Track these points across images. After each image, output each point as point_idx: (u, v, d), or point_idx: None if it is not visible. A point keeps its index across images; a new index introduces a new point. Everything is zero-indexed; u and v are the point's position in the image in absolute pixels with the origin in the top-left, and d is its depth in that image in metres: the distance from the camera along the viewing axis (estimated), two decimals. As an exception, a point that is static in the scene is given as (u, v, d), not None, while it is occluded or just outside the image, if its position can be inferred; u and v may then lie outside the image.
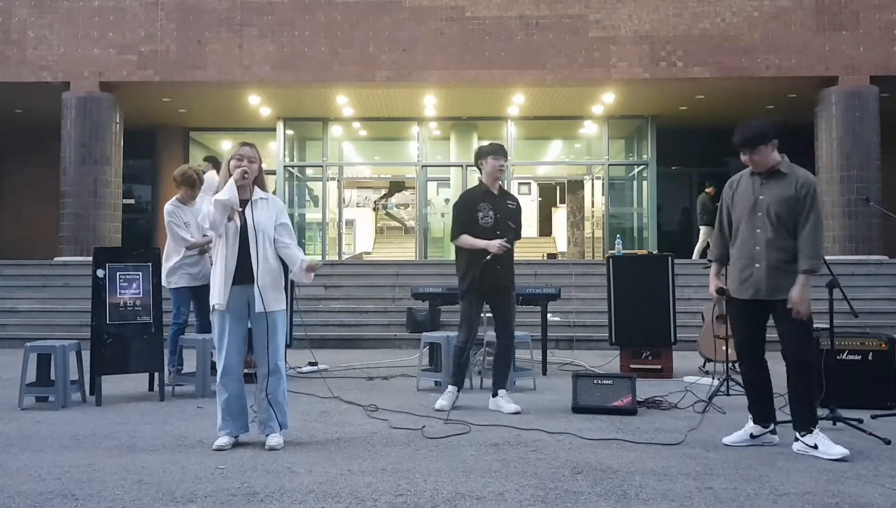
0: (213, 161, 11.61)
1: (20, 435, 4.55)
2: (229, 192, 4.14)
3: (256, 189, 4.31)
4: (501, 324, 5.38)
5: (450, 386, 5.38)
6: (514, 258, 5.48)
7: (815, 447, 4.00)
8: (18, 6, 12.91)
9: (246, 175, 4.19)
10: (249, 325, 4.31)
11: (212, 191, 11.89)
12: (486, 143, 5.58)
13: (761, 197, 4.20)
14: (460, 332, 5.35)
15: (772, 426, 4.29)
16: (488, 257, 5.14)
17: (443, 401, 5.30)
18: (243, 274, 4.20)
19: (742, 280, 4.22)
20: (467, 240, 5.27)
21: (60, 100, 12.96)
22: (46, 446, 4.27)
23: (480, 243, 5.20)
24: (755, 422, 4.31)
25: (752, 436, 4.27)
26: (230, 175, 4.21)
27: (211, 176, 11.28)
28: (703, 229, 13.73)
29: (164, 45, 12.85)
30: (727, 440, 4.30)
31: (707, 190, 13.61)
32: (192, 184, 6.50)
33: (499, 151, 5.38)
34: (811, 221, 4.08)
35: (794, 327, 4.05)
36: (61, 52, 12.88)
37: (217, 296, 4.22)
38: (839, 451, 3.91)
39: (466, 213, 5.32)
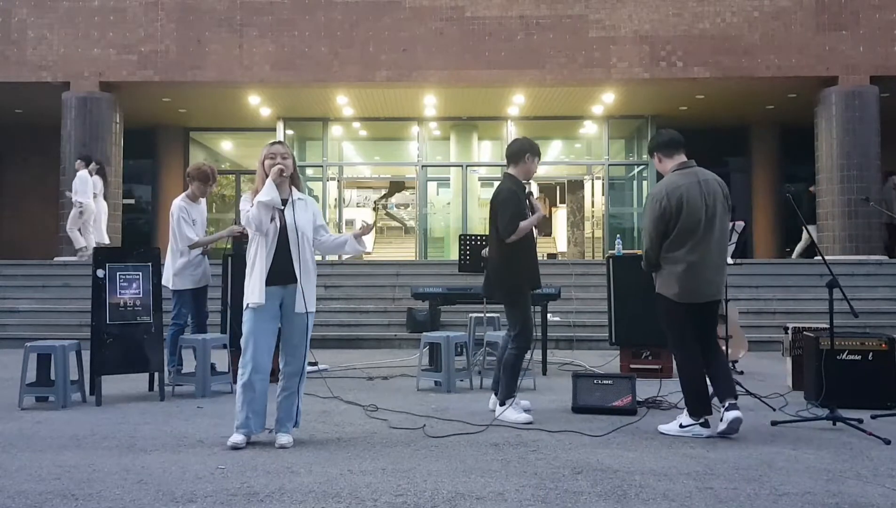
0: (87, 160, 11.66)
1: (20, 435, 4.55)
2: (270, 192, 4.14)
3: (294, 190, 4.33)
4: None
5: (509, 400, 4.97)
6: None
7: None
8: (18, 6, 12.91)
9: (283, 172, 4.20)
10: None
11: (85, 191, 11.78)
12: (513, 142, 5.24)
13: None
14: (525, 334, 4.97)
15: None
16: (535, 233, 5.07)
17: (522, 415, 4.89)
18: (280, 274, 4.19)
19: None
20: (524, 224, 4.92)
21: (60, 100, 12.96)
22: (46, 446, 4.27)
23: (533, 218, 4.98)
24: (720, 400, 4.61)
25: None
26: (266, 175, 4.21)
27: (83, 175, 11.34)
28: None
29: (164, 45, 12.85)
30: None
31: (810, 189, 13.66)
32: (205, 179, 6.47)
33: (538, 151, 5.17)
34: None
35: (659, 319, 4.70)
36: (61, 52, 12.88)
37: (254, 295, 4.15)
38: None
39: (520, 206, 4.98)
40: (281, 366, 4.33)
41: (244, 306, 4.24)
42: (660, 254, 4.57)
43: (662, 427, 4.58)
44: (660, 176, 4.78)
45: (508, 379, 5.00)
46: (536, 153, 5.13)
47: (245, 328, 4.24)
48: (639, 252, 4.91)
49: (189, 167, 6.70)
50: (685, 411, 4.54)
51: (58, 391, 5.45)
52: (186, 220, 6.32)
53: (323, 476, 3.59)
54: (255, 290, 4.16)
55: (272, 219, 4.19)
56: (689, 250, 4.47)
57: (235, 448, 4.14)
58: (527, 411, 5.03)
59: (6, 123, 15.94)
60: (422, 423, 4.81)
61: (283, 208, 4.24)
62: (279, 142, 4.41)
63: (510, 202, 4.95)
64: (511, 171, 5.12)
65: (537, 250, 5.16)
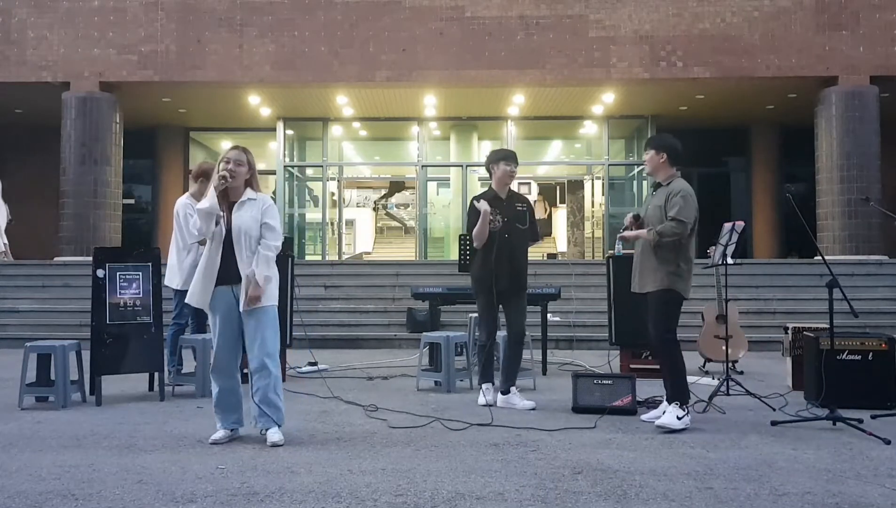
0: None
1: (20, 435, 4.55)
2: (210, 200, 4.26)
3: (248, 190, 4.39)
4: (513, 323, 5.50)
5: (483, 385, 5.53)
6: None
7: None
8: (18, 6, 12.91)
9: (224, 179, 4.27)
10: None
11: None
12: (497, 148, 5.79)
13: (649, 205, 4.96)
14: (480, 331, 5.56)
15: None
16: (507, 235, 5.38)
17: (485, 398, 5.44)
18: (227, 274, 4.29)
19: (633, 276, 4.98)
20: (476, 229, 5.38)
21: (60, 100, 12.95)
22: (46, 446, 4.27)
23: (481, 221, 5.34)
24: (668, 401, 4.81)
25: (664, 413, 4.79)
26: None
27: None
28: None
29: (164, 45, 12.85)
30: (644, 417, 4.92)
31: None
32: (209, 178, 6.46)
33: (510, 157, 5.54)
34: (672, 212, 4.68)
35: (658, 315, 4.76)
36: (61, 52, 12.88)
37: (193, 296, 4.34)
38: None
39: (475, 217, 5.44)
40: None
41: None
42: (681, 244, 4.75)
43: (661, 421, 4.63)
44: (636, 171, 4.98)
45: (479, 368, 5.65)
46: (498, 159, 5.53)
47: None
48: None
49: (194, 167, 6.71)
50: (675, 403, 4.68)
51: (58, 391, 5.45)
52: (193, 216, 6.31)
53: (323, 476, 3.59)
54: (193, 292, 4.35)
55: (217, 223, 4.29)
56: (692, 252, 4.83)
57: (215, 443, 4.27)
58: (532, 409, 5.32)
59: (6, 123, 15.94)
60: (422, 423, 4.81)
61: (230, 211, 4.32)
62: (238, 148, 4.43)
63: (468, 215, 5.61)
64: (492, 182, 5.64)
65: (509, 254, 5.42)
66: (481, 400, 5.45)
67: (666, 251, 4.72)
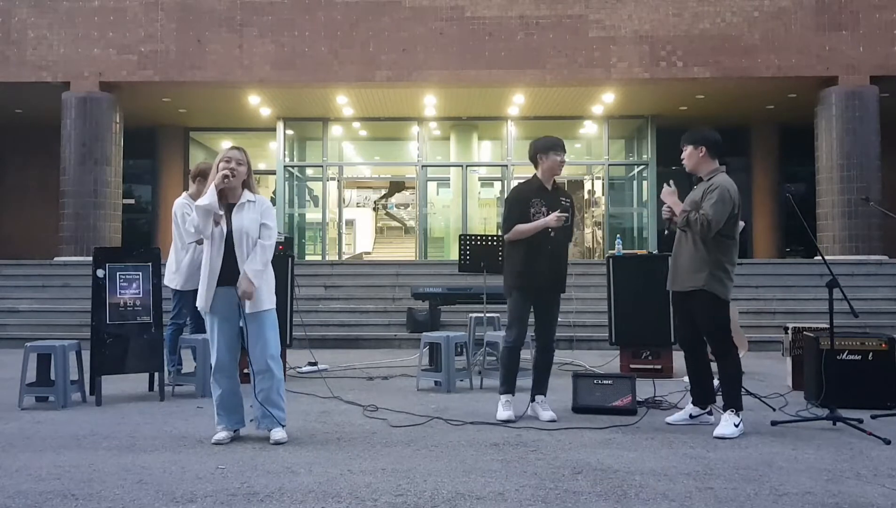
0: None
1: (20, 435, 4.55)
2: (209, 197, 4.24)
3: (246, 192, 4.39)
4: (545, 326, 5.09)
5: (503, 396, 4.98)
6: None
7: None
8: (18, 6, 12.91)
9: (227, 179, 4.27)
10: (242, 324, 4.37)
11: None
12: (541, 137, 5.11)
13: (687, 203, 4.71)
14: (510, 331, 4.99)
15: (709, 408, 4.74)
16: (552, 232, 4.87)
17: (505, 412, 4.90)
18: (229, 275, 4.28)
19: (670, 273, 4.80)
20: (522, 228, 4.89)
21: (60, 100, 12.96)
22: (46, 446, 4.27)
23: (538, 223, 4.86)
24: (694, 404, 4.77)
25: (690, 416, 4.74)
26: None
27: None
28: None
29: (164, 45, 12.85)
30: (669, 419, 4.80)
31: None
32: (207, 178, 6.47)
33: (559, 146, 5.02)
34: (710, 202, 4.54)
35: (704, 319, 4.60)
36: (61, 52, 12.88)
37: (201, 299, 4.33)
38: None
39: (519, 207, 4.97)
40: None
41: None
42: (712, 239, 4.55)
43: (719, 432, 4.40)
44: (660, 172, 4.82)
45: (501, 374, 5.08)
46: (547, 149, 4.99)
47: (207, 330, 4.43)
48: (639, 252, 4.93)
49: (193, 167, 6.73)
50: (731, 410, 4.47)
51: (58, 391, 5.45)
52: (190, 215, 6.31)
53: (323, 476, 3.59)
54: (201, 295, 4.33)
55: (217, 223, 4.28)
56: (735, 255, 4.72)
57: (219, 443, 4.26)
58: (551, 421, 4.89)
59: (6, 123, 15.94)
60: (421, 423, 4.81)
61: (229, 212, 4.32)
62: (237, 148, 4.44)
63: (509, 202, 5.07)
64: (536, 171, 5.09)
65: (553, 251, 4.95)
66: (501, 415, 4.88)
67: (711, 250, 4.53)
